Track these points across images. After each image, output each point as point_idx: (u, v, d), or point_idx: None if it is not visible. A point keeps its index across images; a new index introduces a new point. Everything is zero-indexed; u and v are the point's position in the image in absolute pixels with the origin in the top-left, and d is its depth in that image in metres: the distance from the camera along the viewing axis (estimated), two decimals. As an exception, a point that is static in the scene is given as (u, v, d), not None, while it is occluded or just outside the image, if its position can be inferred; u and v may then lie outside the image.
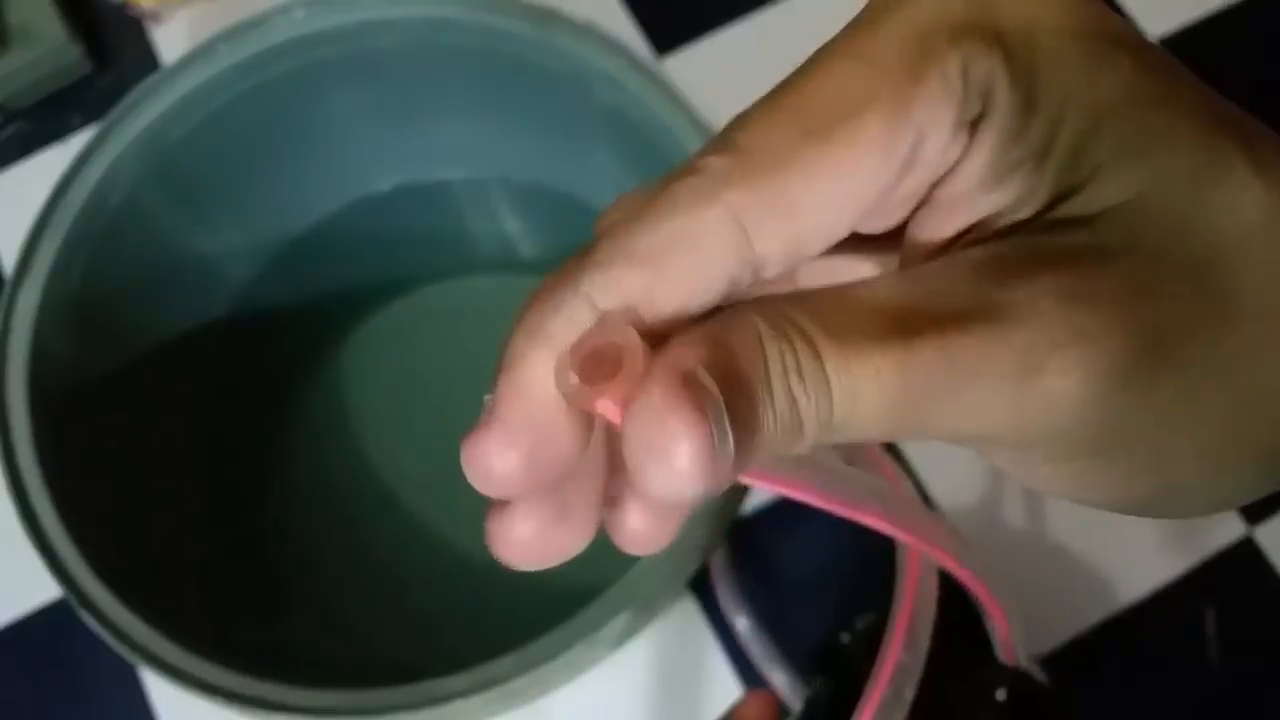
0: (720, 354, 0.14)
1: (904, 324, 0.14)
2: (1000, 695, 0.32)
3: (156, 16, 0.53)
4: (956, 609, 0.30)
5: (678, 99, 0.37)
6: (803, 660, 0.41)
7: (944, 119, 0.15)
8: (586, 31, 0.38)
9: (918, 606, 0.27)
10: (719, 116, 0.39)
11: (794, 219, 0.15)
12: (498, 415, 0.15)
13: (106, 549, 0.34)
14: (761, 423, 0.14)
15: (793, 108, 0.15)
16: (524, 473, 0.15)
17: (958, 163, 0.16)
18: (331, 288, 0.47)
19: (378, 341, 0.48)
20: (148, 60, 0.53)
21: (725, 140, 0.15)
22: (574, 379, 0.14)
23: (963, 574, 0.27)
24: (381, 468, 0.46)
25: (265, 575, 0.44)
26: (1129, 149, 0.15)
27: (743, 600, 0.42)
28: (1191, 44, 0.51)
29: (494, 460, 0.15)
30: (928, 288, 0.15)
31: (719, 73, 0.50)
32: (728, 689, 0.41)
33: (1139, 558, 0.43)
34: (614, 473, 0.17)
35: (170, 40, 0.53)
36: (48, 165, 0.51)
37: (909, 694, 0.26)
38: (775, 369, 0.14)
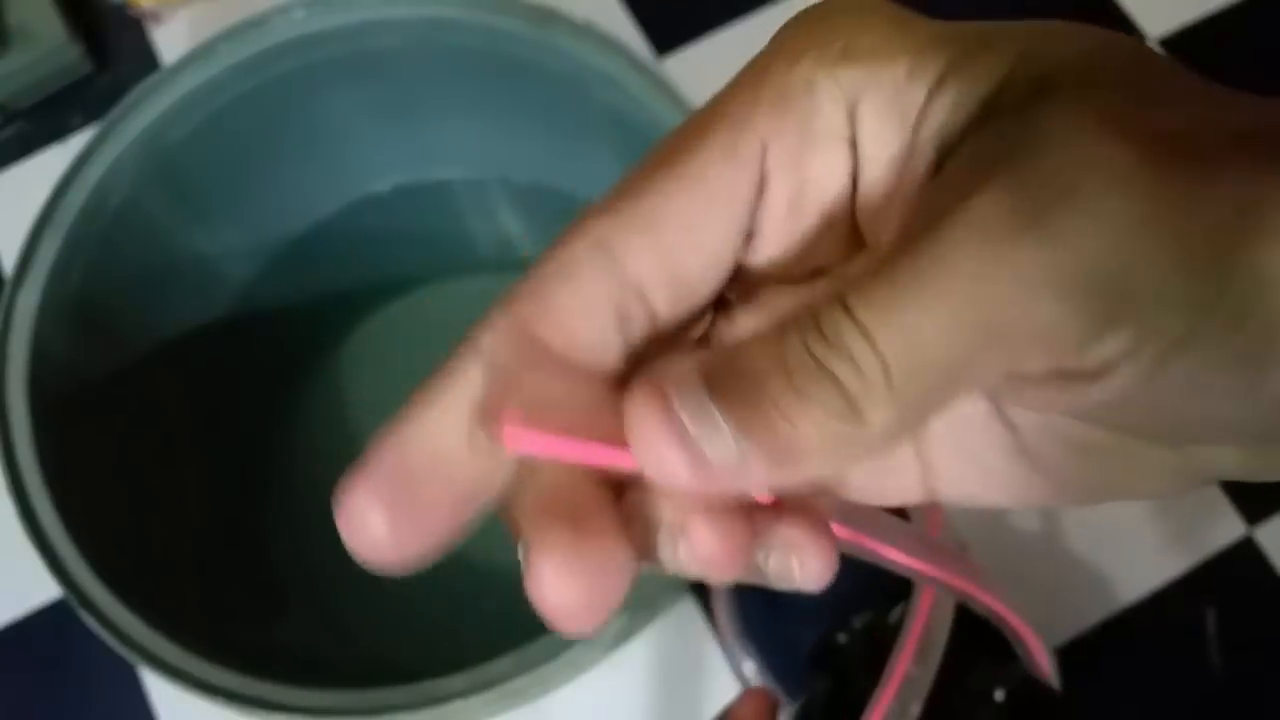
0: (718, 356, 0.14)
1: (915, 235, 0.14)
2: (999, 696, 0.32)
3: (156, 16, 0.53)
4: (963, 616, 0.30)
5: (678, 99, 0.37)
6: (799, 661, 0.41)
7: (785, 125, 0.16)
8: (586, 31, 0.38)
9: (932, 620, 0.26)
10: (719, 116, 0.39)
11: (659, 236, 0.15)
12: (368, 467, 0.15)
13: (106, 549, 0.34)
14: (786, 405, 0.14)
15: (654, 153, 0.16)
16: (388, 538, 0.15)
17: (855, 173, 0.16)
18: (331, 288, 0.47)
19: (378, 341, 0.48)
20: (148, 60, 0.53)
21: (604, 194, 0.16)
22: (487, 437, 0.15)
23: (1011, 617, 0.27)
24: (381, 468, 0.46)
25: (265, 575, 0.44)
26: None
27: (740, 620, 0.42)
28: (1191, 44, 0.51)
29: (359, 516, 0.15)
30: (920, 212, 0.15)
31: (719, 73, 0.50)
32: (727, 689, 0.41)
33: (1139, 558, 0.43)
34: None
35: (170, 40, 0.53)
36: (48, 165, 0.51)
37: (914, 709, 0.26)
38: (792, 347, 0.14)
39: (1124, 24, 0.51)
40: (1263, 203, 0.13)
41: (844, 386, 0.13)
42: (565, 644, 0.31)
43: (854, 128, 0.16)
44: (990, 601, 0.25)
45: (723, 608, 0.42)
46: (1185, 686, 0.41)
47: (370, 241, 0.47)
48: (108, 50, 0.53)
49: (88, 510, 0.35)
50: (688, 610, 0.43)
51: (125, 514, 0.38)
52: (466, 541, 0.49)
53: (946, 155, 0.15)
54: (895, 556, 0.19)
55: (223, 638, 0.34)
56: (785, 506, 0.16)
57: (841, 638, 0.36)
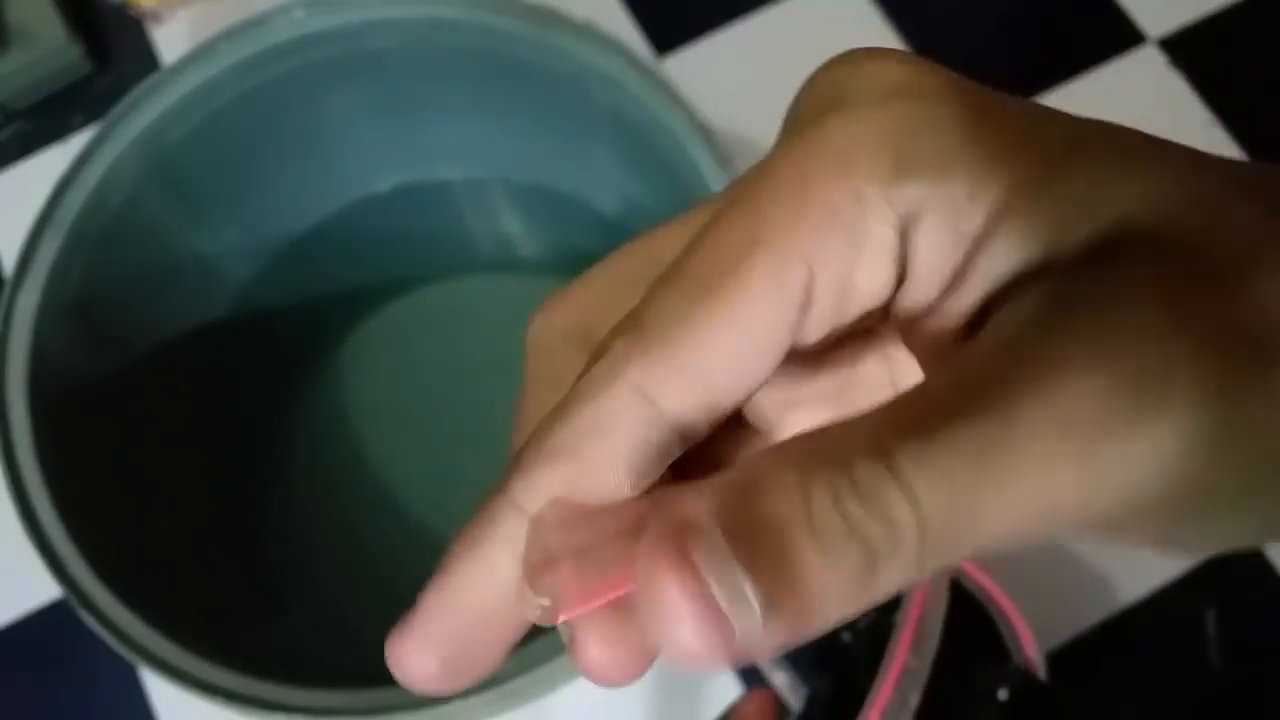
0: (736, 495, 0.13)
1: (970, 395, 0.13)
2: (1002, 695, 0.32)
3: (156, 16, 0.53)
4: (958, 608, 0.30)
5: (678, 99, 0.37)
6: (804, 656, 0.41)
7: (833, 248, 0.15)
8: (586, 31, 0.38)
9: (926, 612, 0.26)
10: (719, 116, 0.39)
11: (698, 379, 0.15)
12: (418, 621, 0.15)
13: (106, 549, 0.34)
14: (808, 567, 0.12)
15: (687, 272, 0.15)
16: (440, 676, 0.15)
17: (904, 278, 0.15)
18: (331, 288, 0.47)
19: (378, 341, 0.48)
20: (148, 60, 0.53)
21: (629, 319, 0.15)
22: (536, 600, 0.14)
23: (1000, 597, 0.26)
24: (381, 468, 0.46)
25: (265, 575, 0.44)
26: (1097, 174, 0.14)
27: None
28: (1191, 44, 0.51)
29: (412, 661, 0.15)
30: (959, 370, 0.14)
31: (719, 73, 0.50)
32: (727, 689, 0.41)
33: (1139, 558, 0.43)
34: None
35: (170, 40, 0.53)
36: (48, 165, 0.51)
37: (914, 700, 0.26)
38: (819, 493, 0.13)
39: (1124, 24, 0.51)
40: None
41: (873, 548, 0.13)
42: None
43: (905, 246, 0.15)
44: (981, 578, 0.25)
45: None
46: (1185, 686, 0.41)
47: (370, 241, 0.47)
48: (108, 50, 0.53)
49: (88, 510, 0.35)
50: (688, 610, 0.43)
51: (125, 514, 0.38)
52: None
53: (1001, 291, 0.15)
54: None
55: (223, 638, 0.34)
56: None
57: (846, 636, 0.36)
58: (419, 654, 0.15)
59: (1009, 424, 0.13)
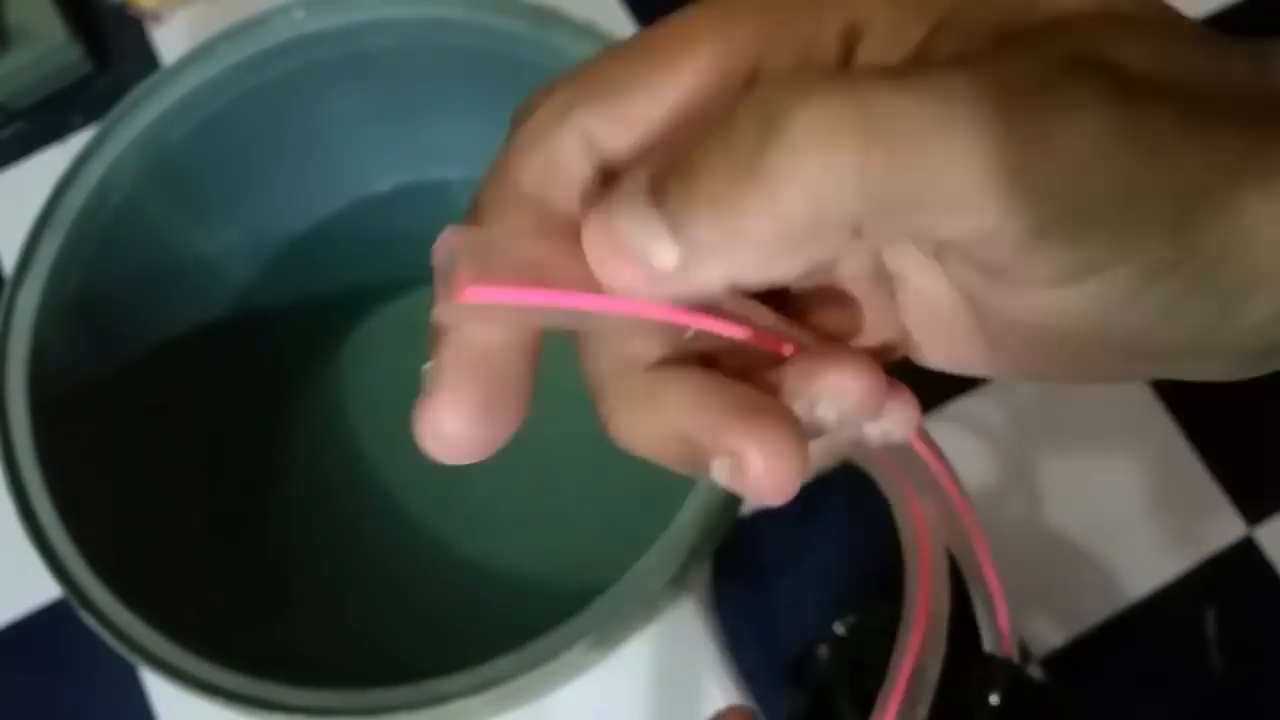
0: (673, 155, 0.14)
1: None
2: (995, 699, 0.32)
3: (156, 16, 0.53)
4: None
5: (678, 99, 0.37)
6: (781, 674, 0.40)
7: (784, 41, 0.15)
8: (586, 31, 0.38)
9: (934, 607, 0.26)
10: (719, 116, 0.39)
11: (634, 127, 0.15)
12: (444, 382, 0.15)
13: (106, 549, 0.34)
14: (720, 195, 0.13)
15: (649, 36, 0.16)
16: (480, 435, 0.15)
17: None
18: (331, 288, 0.47)
19: (378, 341, 0.48)
20: (148, 60, 0.53)
21: (578, 73, 0.16)
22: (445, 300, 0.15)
23: (983, 551, 0.26)
24: (381, 468, 0.46)
25: (265, 575, 0.44)
26: None
27: (717, 613, 0.42)
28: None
29: (448, 427, 0.15)
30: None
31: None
32: (727, 689, 0.41)
33: (1139, 558, 0.43)
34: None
35: (170, 40, 0.53)
36: (48, 165, 0.51)
37: (922, 712, 0.26)
38: (740, 122, 0.13)
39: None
40: (1261, 154, 0.13)
41: (807, 149, 0.13)
42: (565, 644, 0.31)
43: (852, 56, 0.16)
44: (973, 528, 0.25)
45: (711, 631, 0.42)
46: (1185, 686, 0.41)
47: (370, 241, 0.47)
48: (108, 50, 0.53)
49: (88, 510, 0.35)
50: (687, 611, 0.43)
51: (125, 514, 0.38)
52: (467, 541, 0.49)
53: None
54: (919, 449, 0.19)
55: (223, 638, 0.34)
56: (814, 354, 0.16)
57: (822, 650, 0.36)
58: (455, 417, 0.15)
59: (977, 74, 0.13)
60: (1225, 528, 0.43)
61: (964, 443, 0.44)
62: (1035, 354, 0.17)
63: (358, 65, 0.41)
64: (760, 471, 0.15)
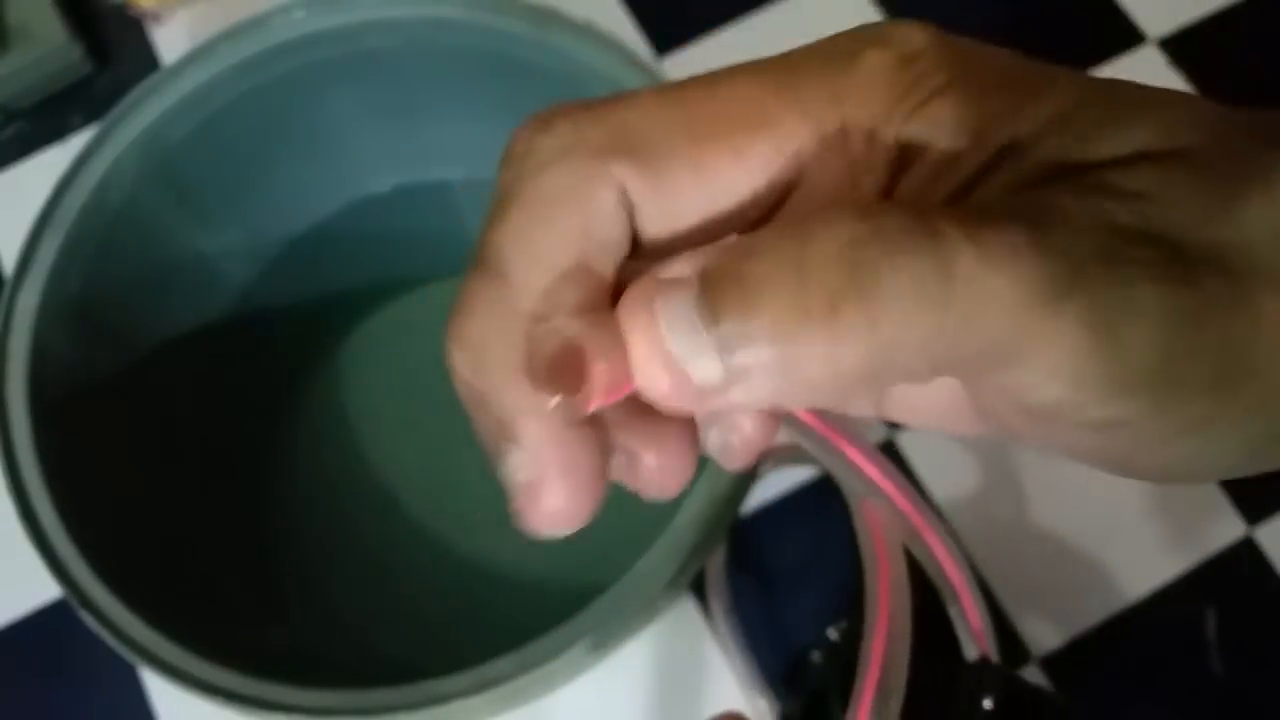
0: (729, 255, 0.13)
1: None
2: (988, 704, 0.32)
3: (156, 16, 0.53)
4: (927, 614, 0.30)
5: (678, 99, 0.37)
6: (775, 677, 0.40)
7: (831, 161, 0.15)
8: (586, 31, 0.38)
9: (894, 609, 0.26)
10: (719, 116, 0.39)
11: (674, 208, 0.15)
12: (539, 477, 0.15)
13: (106, 549, 0.34)
14: (772, 313, 0.12)
15: (692, 105, 0.15)
16: (580, 509, 0.15)
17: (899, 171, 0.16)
18: (331, 288, 0.47)
19: (378, 341, 0.48)
20: (148, 60, 0.53)
21: (620, 126, 0.15)
22: (553, 399, 0.14)
23: (941, 550, 0.26)
24: (381, 467, 0.46)
25: (265, 575, 0.44)
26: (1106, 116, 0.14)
27: (735, 613, 0.41)
28: (1191, 44, 0.51)
29: (556, 509, 0.15)
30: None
31: (719, 73, 0.50)
32: (727, 689, 0.41)
33: (1139, 558, 0.43)
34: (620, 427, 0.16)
35: (170, 40, 0.53)
36: (48, 165, 0.51)
37: (896, 705, 0.26)
38: (832, 226, 0.13)
39: (1124, 23, 0.51)
40: None
41: (891, 306, 0.12)
42: (565, 644, 0.31)
43: (900, 176, 0.15)
44: (932, 538, 0.25)
45: (710, 631, 0.42)
46: (1185, 687, 0.41)
47: (370, 241, 0.47)
48: (108, 50, 0.53)
49: (88, 510, 0.35)
50: (688, 610, 0.43)
51: (126, 514, 0.38)
52: (468, 541, 0.49)
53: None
54: (853, 456, 0.19)
55: (223, 638, 0.34)
56: None
57: (815, 655, 0.36)
58: (557, 500, 0.15)
59: (1049, 234, 0.13)
60: (1225, 528, 0.43)
61: (961, 445, 0.44)
62: (1039, 435, 0.16)
63: (358, 65, 0.41)
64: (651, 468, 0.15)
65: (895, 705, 0.24)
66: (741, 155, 0.15)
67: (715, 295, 0.13)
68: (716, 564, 0.42)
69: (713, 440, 0.16)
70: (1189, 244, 0.13)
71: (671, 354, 0.13)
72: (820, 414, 0.18)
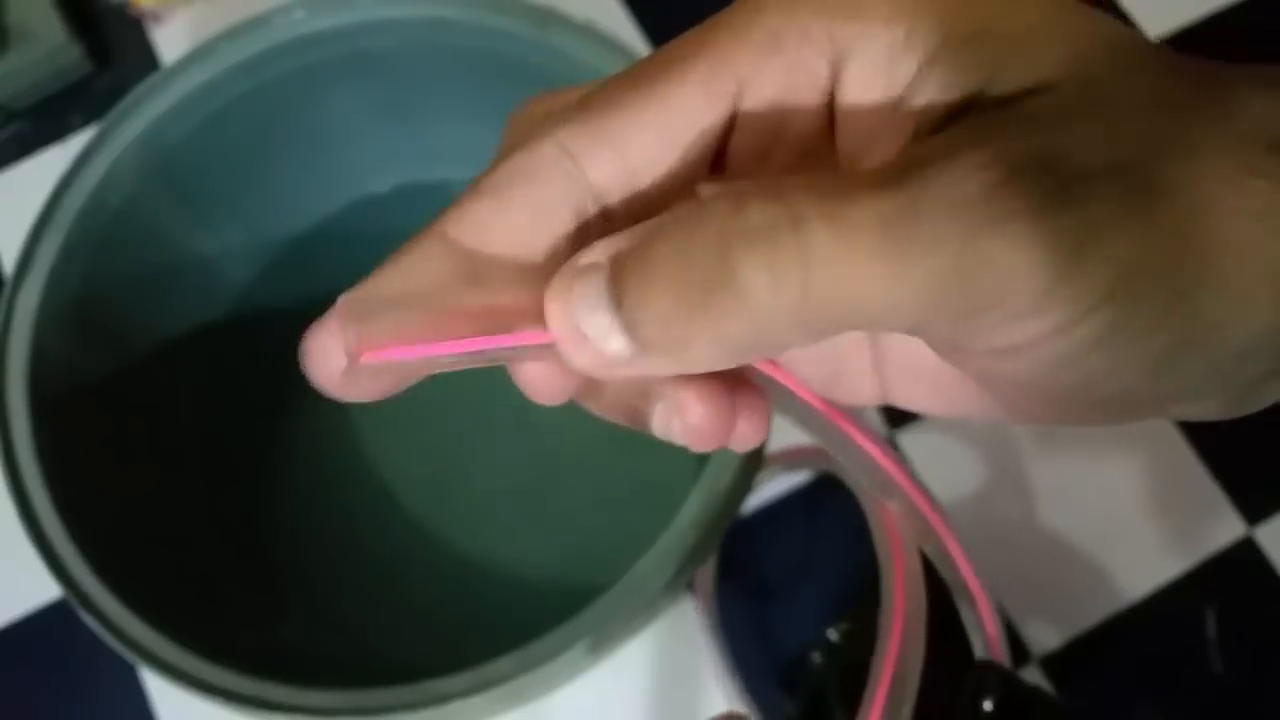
0: (637, 240, 0.15)
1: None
2: (988, 705, 0.32)
3: (156, 16, 0.53)
4: (931, 608, 0.30)
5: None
6: (783, 671, 0.40)
7: (768, 70, 0.16)
8: (586, 31, 0.38)
9: (908, 611, 0.26)
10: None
11: (618, 149, 0.16)
12: (339, 313, 0.16)
13: (106, 549, 0.34)
14: (664, 300, 0.14)
15: (637, 68, 0.17)
16: (345, 378, 0.17)
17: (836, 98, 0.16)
18: (332, 287, 0.47)
19: (378, 341, 0.48)
20: (148, 60, 0.53)
21: (574, 99, 0.17)
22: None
23: (958, 554, 0.26)
24: (382, 468, 0.46)
25: (265, 575, 0.44)
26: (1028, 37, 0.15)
27: (722, 628, 0.42)
28: (1191, 44, 0.51)
29: (328, 355, 0.17)
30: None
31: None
32: (727, 690, 0.41)
33: (1139, 558, 0.43)
34: None
35: (170, 40, 0.53)
36: (48, 165, 0.51)
37: (907, 712, 0.26)
38: (702, 234, 0.14)
39: (1124, 23, 0.51)
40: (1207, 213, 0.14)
41: (747, 303, 0.14)
42: (565, 644, 0.31)
43: (837, 84, 0.16)
44: (950, 542, 0.25)
45: (711, 632, 0.42)
46: (1185, 687, 0.41)
47: (370, 241, 0.47)
48: (108, 50, 0.53)
49: (88, 510, 0.35)
50: (687, 611, 0.43)
51: (126, 514, 0.38)
52: (467, 541, 0.48)
53: (926, 131, 0.15)
54: (872, 453, 0.19)
55: (223, 638, 0.34)
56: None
57: (815, 656, 0.36)
58: (334, 347, 0.16)
59: (915, 198, 0.14)
60: (1225, 528, 0.43)
61: (961, 444, 0.44)
62: (1025, 399, 0.17)
63: (358, 65, 0.41)
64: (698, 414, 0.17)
65: (907, 711, 0.24)
66: (679, 83, 0.16)
67: (619, 281, 0.15)
68: (705, 577, 0.42)
69: (657, 421, 0.18)
70: (1081, 167, 0.14)
71: (586, 333, 0.15)
72: (836, 408, 0.18)
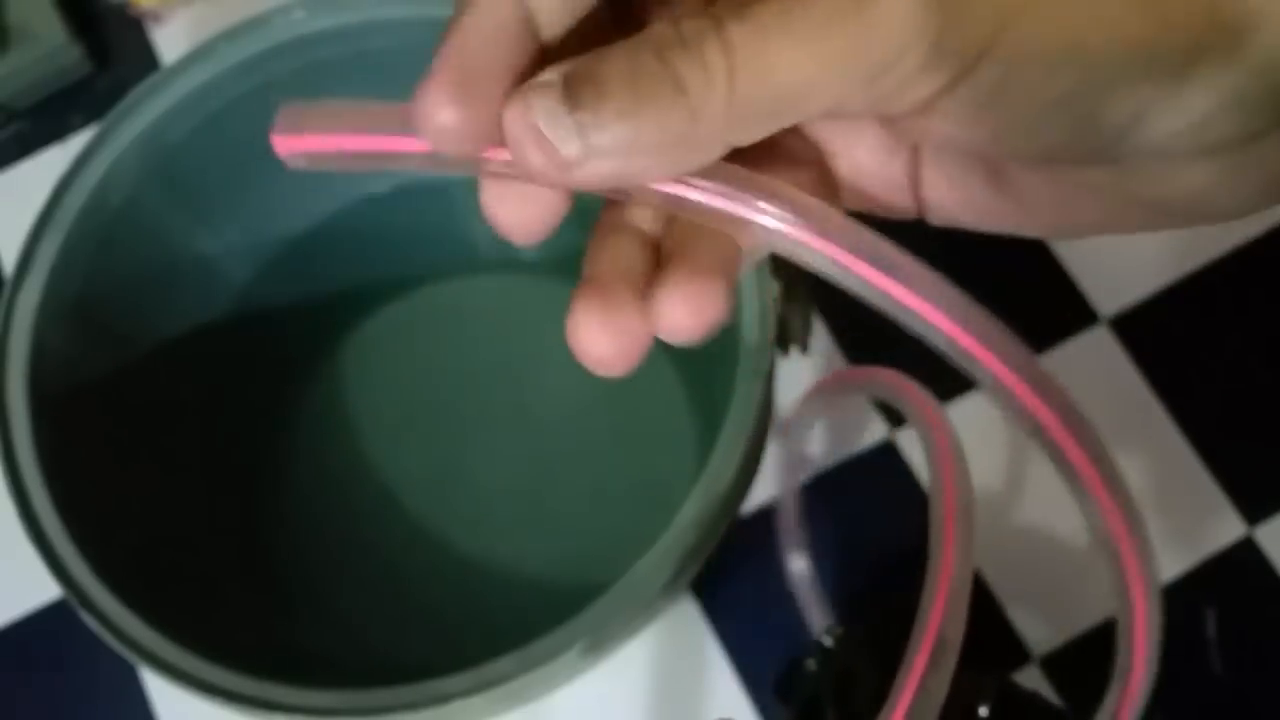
0: (586, 62, 0.16)
1: None
2: (984, 712, 0.31)
3: (156, 16, 0.53)
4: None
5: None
6: (778, 678, 0.40)
7: None
8: (586, 31, 0.38)
9: (947, 617, 0.24)
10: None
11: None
12: (438, 70, 0.18)
13: (106, 549, 0.34)
14: (620, 99, 0.16)
15: None
16: (459, 121, 0.18)
17: None
18: (331, 288, 0.47)
19: (378, 341, 0.48)
20: (148, 60, 0.53)
21: None
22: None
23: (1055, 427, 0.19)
24: (382, 467, 0.46)
25: (265, 575, 0.44)
26: None
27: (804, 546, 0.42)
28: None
29: (441, 112, 0.18)
30: None
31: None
32: (728, 690, 0.41)
33: (1139, 558, 0.43)
34: None
35: (170, 40, 0.53)
36: (48, 165, 0.51)
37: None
38: (645, 47, 0.16)
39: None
40: None
41: (684, 87, 0.16)
42: (565, 644, 0.31)
43: None
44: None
45: (710, 632, 0.42)
46: (1185, 687, 0.41)
47: (371, 241, 0.47)
48: (108, 50, 0.53)
49: (88, 510, 0.35)
50: (688, 611, 0.43)
51: (126, 514, 0.38)
52: (467, 541, 0.48)
53: None
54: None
55: (223, 638, 0.34)
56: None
57: (810, 663, 0.36)
58: (443, 102, 0.17)
59: None
60: (1225, 528, 0.43)
61: (962, 444, 0.44)
62: (1043, 189, 0.19)
63: (358, 65, 0.41)
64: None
65: (946, 674, 0.24)
66: None
67: (574, 90, 0.16)
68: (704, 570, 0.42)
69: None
70: None
71: (542, 134, 0.16)
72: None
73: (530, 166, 0.17)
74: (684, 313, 0.19)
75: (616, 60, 0.16)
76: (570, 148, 0.16)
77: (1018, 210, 0.20)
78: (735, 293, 0.20)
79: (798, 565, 0.42)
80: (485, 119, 0.17)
